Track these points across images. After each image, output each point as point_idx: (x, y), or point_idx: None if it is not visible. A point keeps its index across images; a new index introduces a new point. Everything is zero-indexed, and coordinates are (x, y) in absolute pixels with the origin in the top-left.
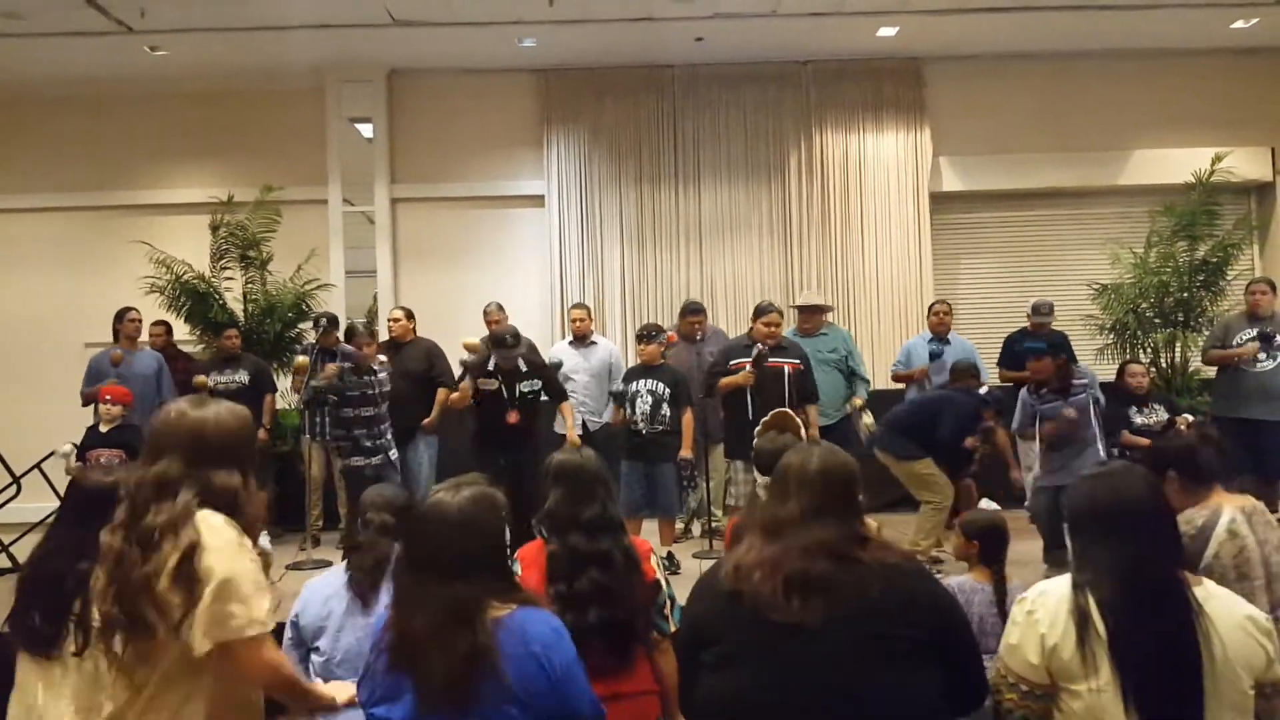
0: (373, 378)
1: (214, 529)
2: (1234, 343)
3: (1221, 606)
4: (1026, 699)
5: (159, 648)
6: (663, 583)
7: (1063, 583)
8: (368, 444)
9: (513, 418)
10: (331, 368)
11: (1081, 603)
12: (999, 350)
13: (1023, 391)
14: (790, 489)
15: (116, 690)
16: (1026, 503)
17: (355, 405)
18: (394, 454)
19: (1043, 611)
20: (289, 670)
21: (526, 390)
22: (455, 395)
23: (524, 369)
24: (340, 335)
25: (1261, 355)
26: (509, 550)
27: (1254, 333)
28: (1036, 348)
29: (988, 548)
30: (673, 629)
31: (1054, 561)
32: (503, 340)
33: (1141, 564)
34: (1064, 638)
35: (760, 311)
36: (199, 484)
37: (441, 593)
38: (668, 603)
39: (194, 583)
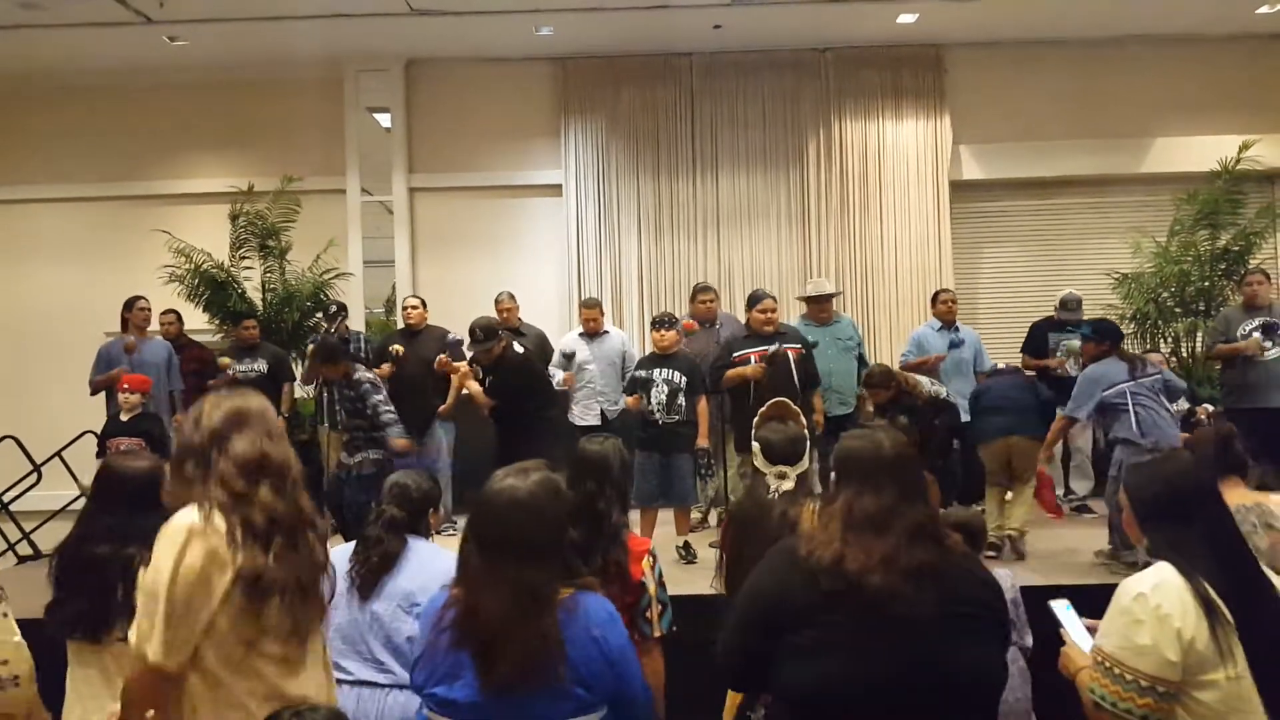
0: (354, 391)
1: None
2: (1237, 335)
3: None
4: (1162, 700)
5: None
6: (650, 586)
7: (1169, 572)
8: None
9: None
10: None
11: (1203, 590)
12: (1019, 338)
13: None
14: (872, 476)
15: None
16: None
17: (348, 415)
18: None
19: (1169, 605)
20: None
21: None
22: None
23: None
24: (362, 325)
25: (1268, 344)
26: None
27: (1256, 323)
28: (1085, 332)
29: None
30: (658, 633)
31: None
32: (473, 334)
33: (1231, 545)
34: (1198, 629)
35: (754, 300)
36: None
37: (516, 576)
38: (652, 605)
39: None
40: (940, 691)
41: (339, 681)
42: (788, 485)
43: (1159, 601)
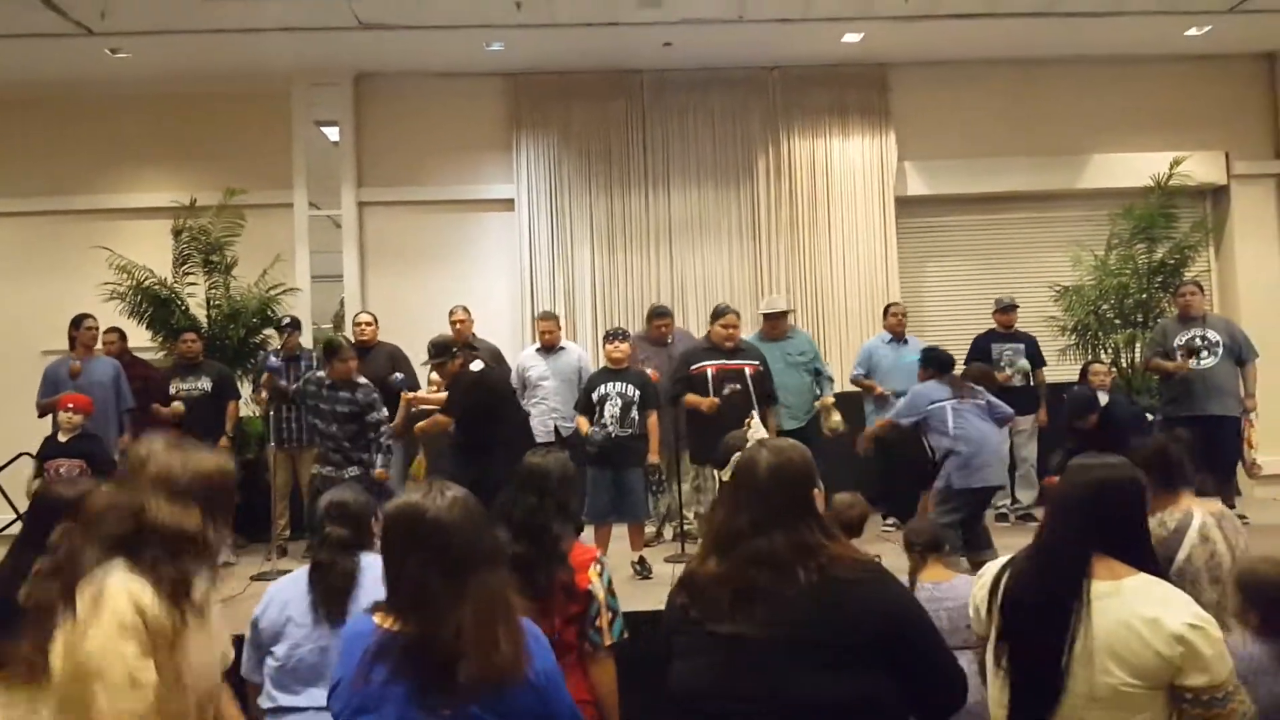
0: (351, 394)
1: None
2: (1173, 345)
3: (1121, 604)
4: (978, 647)
5: None
6: (598, 594)
7: (1006, 557)
8: (336, 457)
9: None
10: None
11: (999, 576)
12: (964, 350)
13: None
14: (740, 498)
15: None
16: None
17: (327, 420)
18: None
19: (985, 578)
20: None
21: None
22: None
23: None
24: (310, 341)
25: (1204, 354)
26: None
27: (1190, 334)
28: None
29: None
30: (608, 641)
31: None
32: (428, 350)
33: (1052, 548)
34: (982, 600)
35: (717, 314)
36: None
37: (476, 589)
38: (601, 614)
39: None
40: (782, 714)
41: (295, 709)
42: None
43: (983, 574)
